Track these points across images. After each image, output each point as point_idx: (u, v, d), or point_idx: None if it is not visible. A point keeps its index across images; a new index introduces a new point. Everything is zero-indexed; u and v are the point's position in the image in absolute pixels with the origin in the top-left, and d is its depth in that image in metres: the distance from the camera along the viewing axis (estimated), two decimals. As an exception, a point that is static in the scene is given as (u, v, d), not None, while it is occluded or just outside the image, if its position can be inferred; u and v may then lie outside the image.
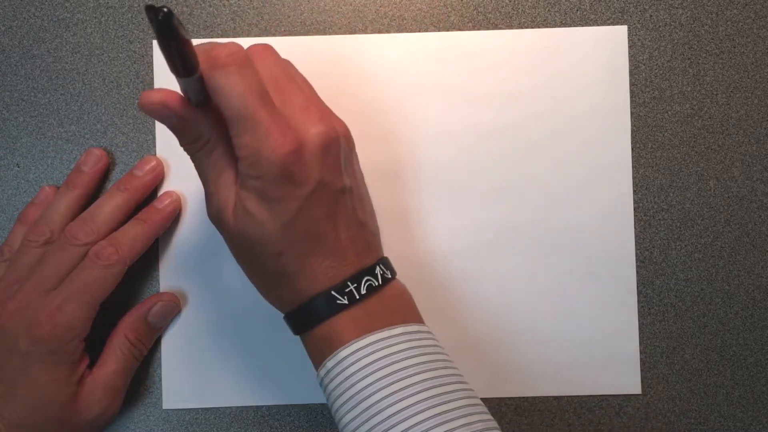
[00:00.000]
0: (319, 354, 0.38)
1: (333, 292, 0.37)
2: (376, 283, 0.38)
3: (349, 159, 0.39)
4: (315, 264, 0.37)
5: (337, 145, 0.37)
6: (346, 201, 0.38)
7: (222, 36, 0.47)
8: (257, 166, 0.35)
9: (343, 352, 0.36)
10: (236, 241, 0.38)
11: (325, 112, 0.38)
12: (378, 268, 0.38)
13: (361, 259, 0.38)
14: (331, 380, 0.37)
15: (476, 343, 0.47)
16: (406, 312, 0.39)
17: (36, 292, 0.42)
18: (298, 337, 0.47)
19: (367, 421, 0.35)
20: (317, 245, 0.37)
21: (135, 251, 0.44)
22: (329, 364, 0.37)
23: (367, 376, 0.35)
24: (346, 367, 0.36)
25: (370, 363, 0.36)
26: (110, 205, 0.44)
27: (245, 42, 0.47)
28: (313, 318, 0.38)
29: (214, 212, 0.38)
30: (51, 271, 0.42)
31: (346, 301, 0.37)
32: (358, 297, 0.37)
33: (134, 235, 0.44)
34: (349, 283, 0.37)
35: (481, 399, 0.48)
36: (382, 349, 0.36)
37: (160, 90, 0.36)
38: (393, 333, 0.37)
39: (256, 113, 0.35)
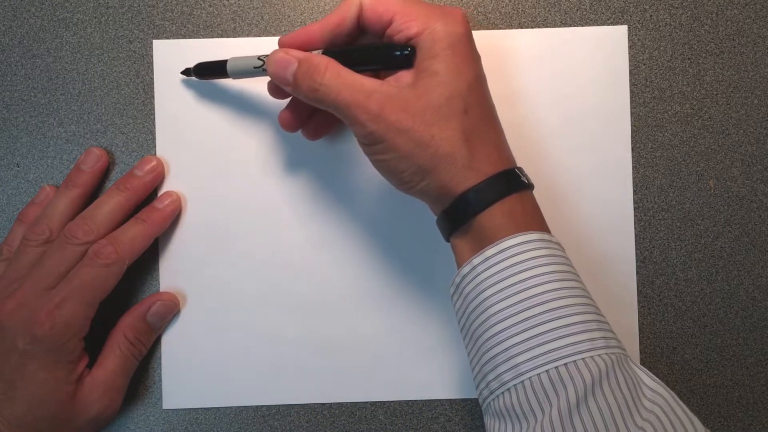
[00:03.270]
0: (483, 239, 0.37)
1: (511, 171, 0.38)
2: (531, 181, 0.39)
3: None
4: (493, 143, 0.39)
5: None
6: None
7: (222, 36, 0.48)
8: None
9: (508, 242, 0.36)
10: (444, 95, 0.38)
11: None
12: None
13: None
14: (489, 267, 0.36)
15: (476, 343, 0.47)
16: (540, 221, 0.39)
17: (35, 290, 0.42)
18: (298, 337, 0.47)
19: (525, 310, 0.35)
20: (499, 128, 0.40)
21: (134, 250, 0.44)
22: (490, 251, 0.37)
23: (531, 268, 0.36)
24: (511, 256, 0.36)
25: (533, 257, 0.36)
26: (110, 204, 0.44)
27: (245, 42, 0.48)
28: (497, 193, 0.37)
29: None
30: (50, 270, 0.42)
31: (526, 181, 0.38)
32: (530, 183, 0.39)
33: (134, 234, 0.44)
34: (522, 169, 0.39)
35: (475, 399, 0.48)
36: (544, 248, 0.36)
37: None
38: (552, 239, 0.38)
39: None
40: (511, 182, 0.38)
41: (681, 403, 0.34)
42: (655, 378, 0.35)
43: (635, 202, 0.48)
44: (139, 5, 0.48)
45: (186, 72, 0.47)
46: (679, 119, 0.48)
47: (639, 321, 0.47)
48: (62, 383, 0.41)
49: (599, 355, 0.34)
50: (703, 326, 0.48)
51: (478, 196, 0.37)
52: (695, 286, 0.48)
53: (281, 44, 0.41)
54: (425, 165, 0.37)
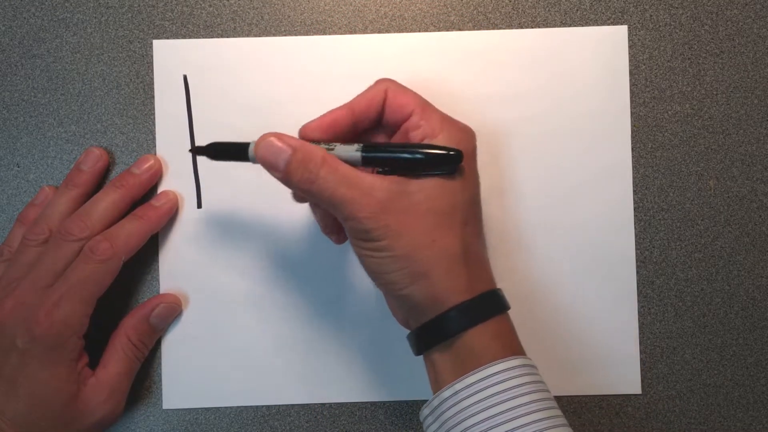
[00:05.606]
0: (466, 360, 0.36)
1: (498, 291, 0.38)
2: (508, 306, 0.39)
3: None
4: (482, 260, 0.38)
5: None
6: None
7: (222, 36, 0.48)
8: None
9: (494, 368, 0.35)
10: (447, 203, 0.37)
11: None
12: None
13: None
14: (473, 394, 0.35)
15: (476, 343, 0.47)
16: (519, 344, 0.39)
17: (33, 289, 0.41)
18: (297, 337, 0.47)
19: None
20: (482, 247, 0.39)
21: (130, 246, 0.44)
22: (472, 378, 0.35)
23: (516, 396, 0.35)
24: (496, 383, 0.35)
25: (518, 385, 0.35)
26: (105, 201, 0.44)
27: (245, 42, 0.47)
28: (485, 313, 0.37)
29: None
30: (47, 268, 0.42)
31: (507, 304, 0.38)
32: (508, 306, 0.38)
33: (129, 230, 0.44)
34: (500, 290, 0.38)
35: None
36: (527, 375, 0.36)
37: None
38: (529, 362, 0.37)
39: None
40: (497, 303, 0.38)
41: None
42: None
43: (635, 202, 0.48)
44: (139, 5, 0.48)
45: (197, 150, 0.42)
46: (679, 119, 0.48)
47: (639, 321, 0.47)
48: (64, 382, 0.41)
49: None
50: (703, 326, 0.48)
51: (469, 312, 0.36)
52: (695, 286, 0.48)
53: (305, 129, 0.39)
54: (419, 269, 0.36)
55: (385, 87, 0.39)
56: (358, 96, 0.40)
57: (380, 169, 0.37)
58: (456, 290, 0.36)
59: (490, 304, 0.37)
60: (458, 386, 0.36)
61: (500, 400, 0.35)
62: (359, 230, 0.37)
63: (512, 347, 0.37)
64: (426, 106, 0.39)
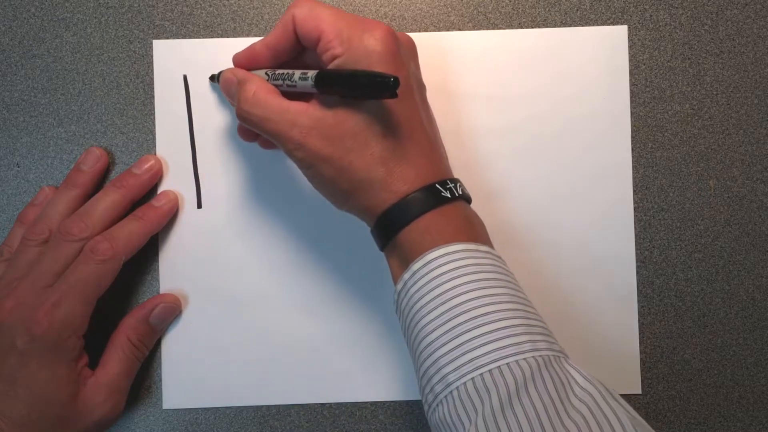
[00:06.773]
0: (407, 255, 0.37)
1: (437, 185, 0.38)
2: (461, 192, 0.39)
3: None
4: (428, 157, 0.39)
5: None
6: None
7: (222, 36, 0.47)
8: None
9: (431, 255, 0.36)
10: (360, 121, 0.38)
11: None
12: (460, 184, 0.39)
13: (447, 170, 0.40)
14: (416, 281, 0.36)
15: (476, 343, 0.47)
16: (483, 234, 0.39)
17: (33, 289, 0.41)
18: (297, 337, 0.47)
19: (450, 320, 0.35)
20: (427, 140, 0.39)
21: (130, 247, 0.44)
22: (415, 266, 0.36)
23: (454, 278, 0.35)
24: (435, 268, 0.36)
25: (457, 267, 0.36)
26: (105, 201, 0.44)
27: (245, 42, 0.48)
28: (413, 211, 0.37)
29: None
30: (47, 268, 0.42)
31: (448, 195, 0.38)
32: (457, 195, 0.38)
33: (130, 231, 0.44)
34: (449, 182, 0.38)
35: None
36: (469, 258, 0.36)
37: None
38: (480, 248, 0.37)
39: None
40: (429, 198, 0.37)
41: (611, 399, 0.33)
42: (589, 377, 0.34)
43: (635, 202, 0.48)
44: (139, 5, 0.48)
45: (213, 78, 0.47)
46: (679, 119, 0.48)
47: (639, 321, 0.47)
48: (64, 382, 0.41)
49: (524, 359, 0.33)
50: (703, 326, 0.48)
51: (395, 216, 0.37)
52: (695, 286, 0.48)
53: (233, 61, 0.42)
54: (346, 189, 0.38)
55: (293, 14, 0.39)
56: (274, 27, 0.41)
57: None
58: (381, 201, 0.38)
59: (416, 203, 0.37)
60: (405, 276, 0.37)
61: (439, 283, 0.36)
62: (293, 160, 0.39)
63: (455, 235, 0.37)
64: (332, 23, 0.38)
